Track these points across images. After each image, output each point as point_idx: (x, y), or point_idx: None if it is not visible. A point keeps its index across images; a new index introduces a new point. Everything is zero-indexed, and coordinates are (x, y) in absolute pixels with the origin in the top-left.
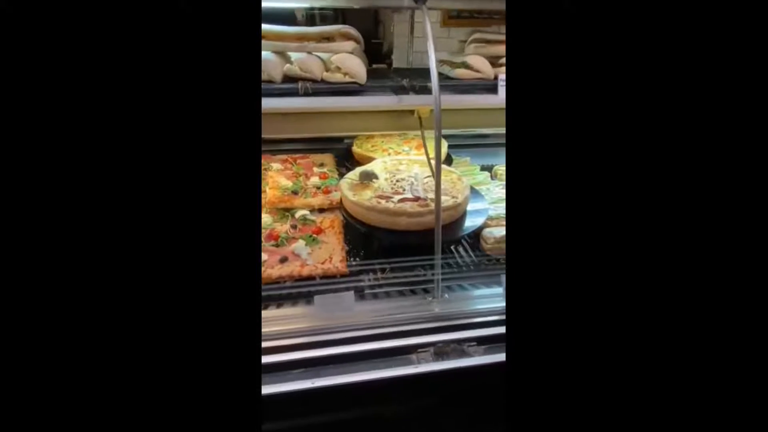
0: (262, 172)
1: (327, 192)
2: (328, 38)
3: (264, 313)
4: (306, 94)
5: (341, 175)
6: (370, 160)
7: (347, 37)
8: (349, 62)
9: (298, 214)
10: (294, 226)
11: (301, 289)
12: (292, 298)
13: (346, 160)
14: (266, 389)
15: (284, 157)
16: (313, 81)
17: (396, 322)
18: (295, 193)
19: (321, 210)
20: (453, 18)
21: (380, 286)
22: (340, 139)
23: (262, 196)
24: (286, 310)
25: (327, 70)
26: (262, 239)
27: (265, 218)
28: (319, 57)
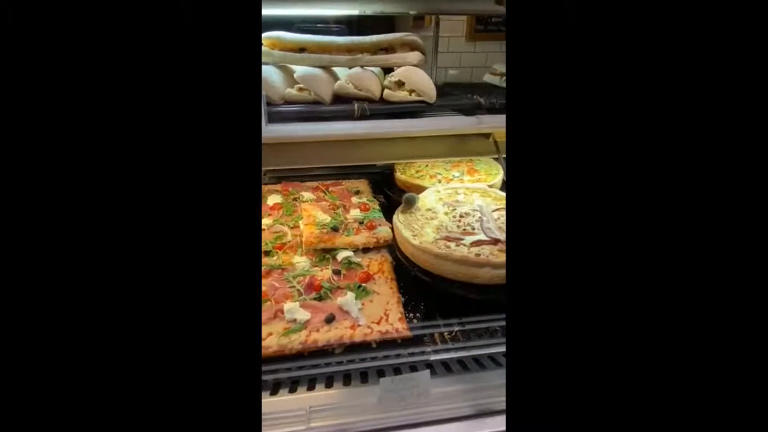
0: (293, 203)
1: (371, 227)
2: (386, 49)
3: (306, 396)
4: (363, 116)
5: (382, 205)
6: (416, 188)
7: (411, 46)
8: (417, 77)
9: (341, 256)
10: (337, 272)
11: (355, 364)
12: (344, 376)
13: (385, 187)
14: None
15: (314, 184)
16: (371, 100)
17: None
18: (335, 229)
19: (365, 249)
20: (479, 32)
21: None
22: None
23: (297, 233)
24: (341, 392)
25: (386, 87)
26: (302, 288)
27: (302, 261)
28: (374, 73)
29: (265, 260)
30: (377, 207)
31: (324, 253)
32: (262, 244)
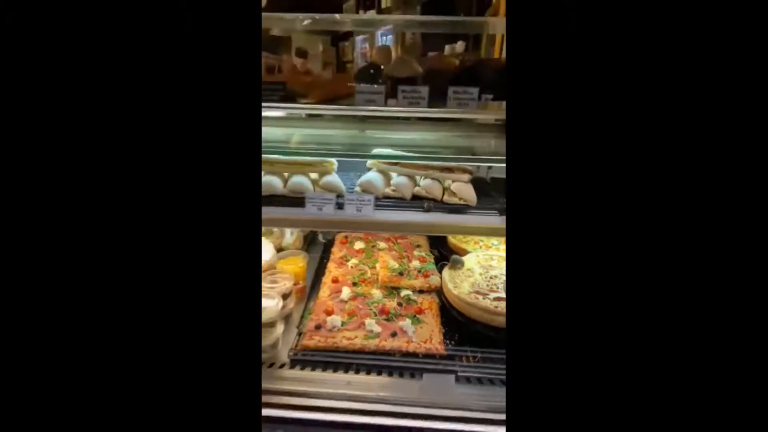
0: (371, 249)
1: (426, 276)
2: (449, 169)
3: (377, 380)
4: (429, 210)
5: (436, 259)
6: (462, 249)
7: (464, 170)
8: (465, 191)
9: (403, 293)
10: (400, 304)
11: (410, 364)
12: (400, 371)
13: (439, 245)
14: None
15: (386, 235)
16: (435, 201)
17: (488, 409)
18: (401, 274)
19: (421, 291)
20: None
21: (474, 370)
22: None
23: (374, 272)
24: (398, 381)
25: (445, 193)
26: (377, 311)
27: (377, 293)
28: (439, 182)
29: (353, 288)
30: (432, 260)
31: (392, 289)
32: (352, 278)
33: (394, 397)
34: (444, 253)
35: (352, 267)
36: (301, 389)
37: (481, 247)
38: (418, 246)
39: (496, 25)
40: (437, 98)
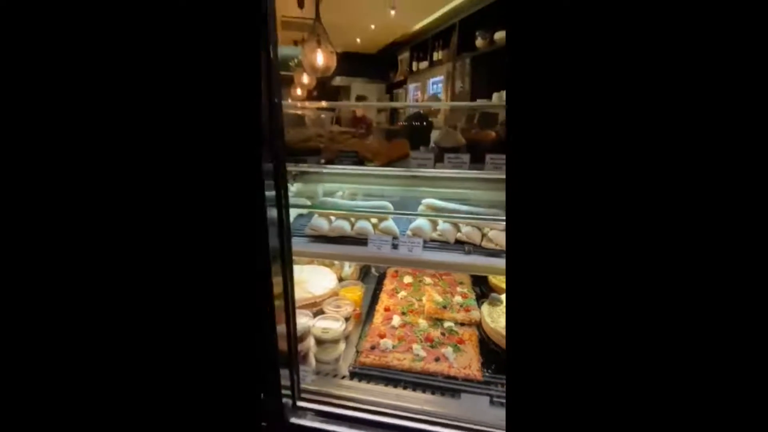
0: (418, 283)
1: (467, 310)
2: (487, 218)
3: (422, 396)
4: (469, 253)
5: (477, 297)
6: (500, 288)
7: (500, 219)
8: (501, 238)
9: (446, 324)
10: (443, 334)
11: (450, 385)
12: (441, 390)
13: (480, 283)
14: None
15: (432, 272)
16: (474, 245)
17: None
18: (444, 307)
19: (462, 324)
20: None
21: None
22: None
23: (420, 304)
24: (439, 398)
25: (484, 238)
26: (423, 338)
27: (423, 323)
28: (480, 229)
29: (402, 317)
30: (473, 297)
31: (436, 320)
32: (401, 308)
33: (435, 411)
34: (484, 290)
35: (401, 298)
36: (359, 396)
37: None
38: (461, 283)
39: None
40: (477, 162)
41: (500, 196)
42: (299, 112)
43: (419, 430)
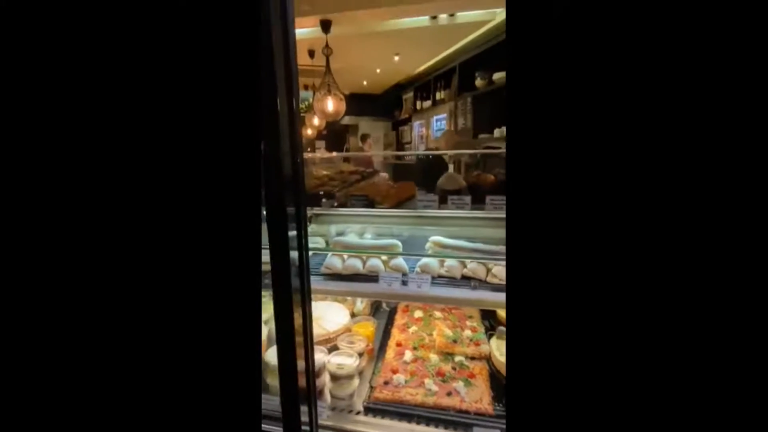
0: (429, 317)
1: (477, 344)
2: (493, 252)
3: (434, 431)
4: (475, 288)
5: (486, 329)
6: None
7: (503, 254)
8: (504, 274)
9: (457, 359)
10: (454, 368)
11: (462, 419)
12: (454, 425)
13: (489, 316)
14: None
15: (442, 306)
16: (479, 281)
17: None
18: (454, 341)
19: (472, 358)
20: None
21: None
22: None
23: (431, 339)
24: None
25: (489, 274)
26: (434, 373)
27: (434, 357)
28: (485, 265)
29: (414, 352)
30: (483, 331)
31: (447, 355)
32: (413, 343)
33: None
34: (493, 324)
35: (412, 333)
36: None
37: None
38: (470, 317)
39: None
40: (478, 203)
41: (502, 233)
42: (310, 155)
43: None
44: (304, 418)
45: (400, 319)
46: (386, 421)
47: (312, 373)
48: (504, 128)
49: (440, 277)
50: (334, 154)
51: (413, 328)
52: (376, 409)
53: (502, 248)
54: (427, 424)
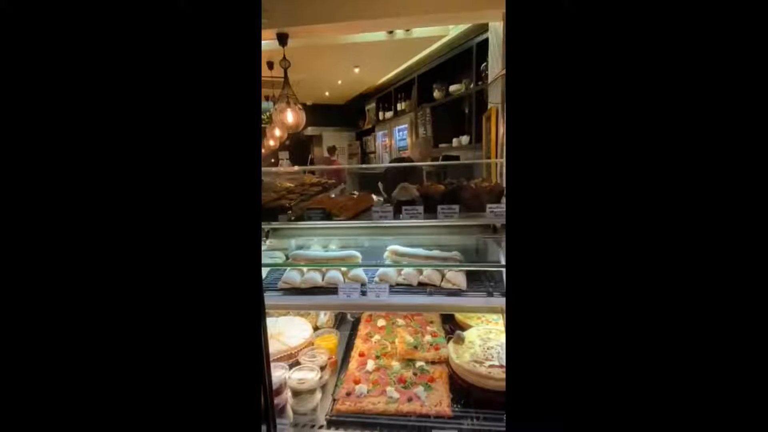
0: (392, 326)
1: (437, 348)
2: (445, 259)
3: None
4: (431, 294)
5: (446, 333)
6: (466, 325)
7: (455, 259)
8: (458, 279)
9: (418, 364)
10: (415, 374)
11: (422, 423)
12: (414, 430)
13: (449, 321)
14: None
15: (404, 313)
16: (435, 287)
17: None
18: (415, 347)
19: (432, 362)
20: None
21: (477, 430)
22: None
23: (393, 346)
24: None
25: (444, 280)
26: (395, 380)
27: (396, 365)
28: (440, 271)
29: (376, 361)
30: (443, 335)
31: (409, 361)
32: (375, 352)
33: None
34: (453, 327)
35: (375, 342)
36: None
37: (482, 322)
38: (431, 322)
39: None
40: (430, 212)
41: (453, 240)
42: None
43: None
44: None
45: (363, 329)
46: None
47: (270, 391)
48: (462, 138)
49: (398, 285)
50: (296, 168)
51: (376, 337)
52: (338, 421)
53: (456, 254)
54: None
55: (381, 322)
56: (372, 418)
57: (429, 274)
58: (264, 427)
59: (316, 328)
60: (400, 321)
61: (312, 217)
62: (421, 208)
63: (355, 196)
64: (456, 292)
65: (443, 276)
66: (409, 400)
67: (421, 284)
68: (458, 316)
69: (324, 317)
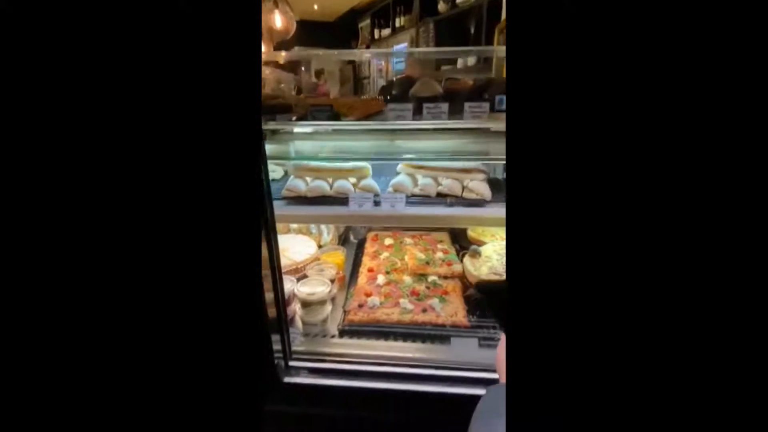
0: (399, 244)
1: (449, 264)
2: (466, 171)
3: (412, 345)
4: (451, 205)
5: (457, 251)
6: (480, 242)
7: (479, 171)
8: (481, 188)
9: (430, 278)
10: (428, 287)
11: (439, 332)
12: (431, 338)
13: (459, 239)
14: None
15: (412, 233)
16: (455, 197)
17: None
18: (427, 263)
19: (445, 277)
20: None
21: (492, 338)
22: None
23: (403, 263)
24: (429, 346)
25: (464, 190)
26: (408, 293)
27: (408, 279)
28: (460, 181)
29: (386, 276)
30: (453, 252)
31: (421, 276)
32: (385, 268)
33: (428, 357)
34: (464, 246)
35: (384, 259)
36: (350, 352)
37: (496, 239)
38: (441, 241)
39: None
40: (456, 113)
41: (482, 146)
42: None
43: (413, 375)
44: (277, 346)
45: (370, 248)
46: (363, 341)
47: (282, 302)
48: (468, 58)
49: (414, 196)
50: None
51: (385, 255)
52: (351, 331)
53: (479, 165)
54: (405, 340)
55: (388, 241)
56: (386, 327)
57: (449, 185)
58: (277, 336)
59: (319, 247)
60: (408, 240)
61: (317, 116)
62: (445, 106)
63: (364, 99)
64: (479, 203)
65: (464, 186)
66: (424, 311)
67: (440, 195)
68: (471, 233)
69: (327, 236)
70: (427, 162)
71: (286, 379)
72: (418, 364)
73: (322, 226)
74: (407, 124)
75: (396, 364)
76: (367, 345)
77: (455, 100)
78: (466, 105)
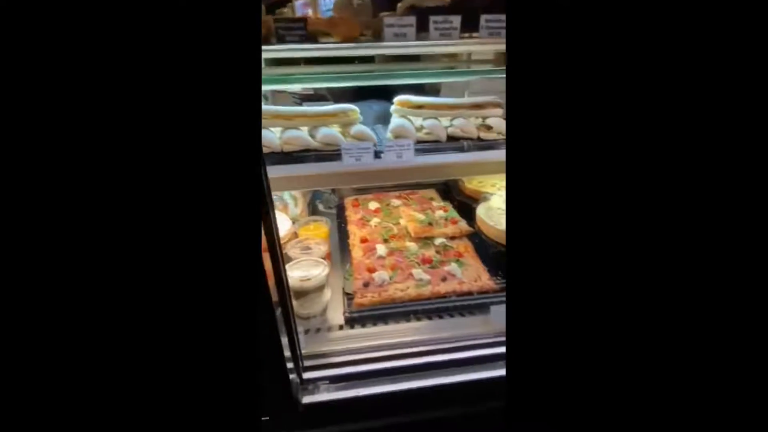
0: (387, 207)
1: (454, 222)
2: (479, 106)
3: (441, 323)
4: (469, 149)
5: (455, 208)
6: (480, 194)
7: (495, 105)
8: (500, 124)
9: (438, 241)
10: (438, 252)
11: (467, 302)
12: (460, 309)
13: (450, 194)
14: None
15: (396, 193)
16: (472, 139)
17: None
18: (430, 224)
19: (452, 237)
20: None
21: None
22: None
23: (399, 227)
24: (463, 320)
25: (479, 129)
26: (419, 262)
27: (412, 245)
28: (474, 118)
29: (386, 245)
30: (452, 208)
31: (426, 240)
32: (381, 235)
33: (469, 333)
34: (460, 200)
35: (376, 226)
36: (370, 344)
37: (499, 189)
38: (431, 198)
39: None
40: (468, 28)
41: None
42: None
43: (460, 360)
44: (286, 353)
45: (353, 215)
46: (378, 329)
47: (288, 293)
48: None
49: (421, 142)
50: None
51: (375, 221)
52: (361, 317)
53: (494, 99)
54: (430, 318)
55: (373, 205)
56: (404, 306)
57: (462, 125)
58: (284, 340)
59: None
60: (395, 201)
61: (287, 38)
62: (456, 20)
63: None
64: (500, 144)
65: (482, 125)
66: (444, 279)
67: (452, 138)
68: (468, 185)
69: (296, 208)
70: (427, 100)
71: (306, 399)
72: (463, 345)
73: (286, 195)
74: (409, 45)
75: (429, 351)
76: (383, 333)
77: (467, 12)
78: (483, 18)
